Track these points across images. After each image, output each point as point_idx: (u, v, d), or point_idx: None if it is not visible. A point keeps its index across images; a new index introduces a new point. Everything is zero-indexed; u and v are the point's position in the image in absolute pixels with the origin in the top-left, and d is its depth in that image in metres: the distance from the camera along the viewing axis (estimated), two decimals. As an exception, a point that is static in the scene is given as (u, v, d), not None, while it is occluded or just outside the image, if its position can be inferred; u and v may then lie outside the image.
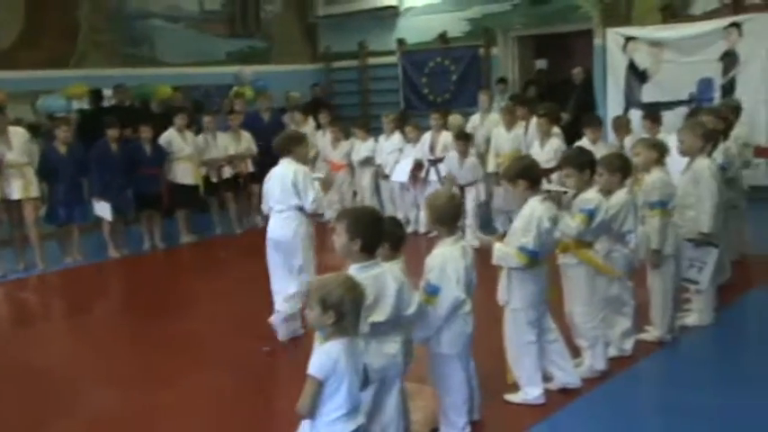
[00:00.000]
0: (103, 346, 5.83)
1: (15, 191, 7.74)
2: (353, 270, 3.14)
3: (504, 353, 4.15)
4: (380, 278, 3.19)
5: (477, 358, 3.91)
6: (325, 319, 2.74)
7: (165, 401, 4.47)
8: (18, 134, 7.91)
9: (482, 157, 8.72)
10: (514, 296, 4.04)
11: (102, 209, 8.14)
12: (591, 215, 4.25)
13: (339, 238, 3.21)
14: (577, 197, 4.34)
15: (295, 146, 5.31)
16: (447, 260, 3.60)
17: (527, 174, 4.03)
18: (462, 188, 7.96)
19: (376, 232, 3.22)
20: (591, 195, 4.31)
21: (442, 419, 3.78)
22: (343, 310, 2.73)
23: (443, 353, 3.68)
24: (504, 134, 8.53)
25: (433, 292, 3.57)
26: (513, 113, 8.54)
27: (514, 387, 4.15)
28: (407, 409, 3.53)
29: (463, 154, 7.95)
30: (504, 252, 3.93)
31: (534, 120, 8.25)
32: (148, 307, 6.58)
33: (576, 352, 4.46)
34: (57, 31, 10.61)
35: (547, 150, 7.79)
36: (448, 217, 3.68)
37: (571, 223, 4.23)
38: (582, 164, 4.37)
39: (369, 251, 3.20)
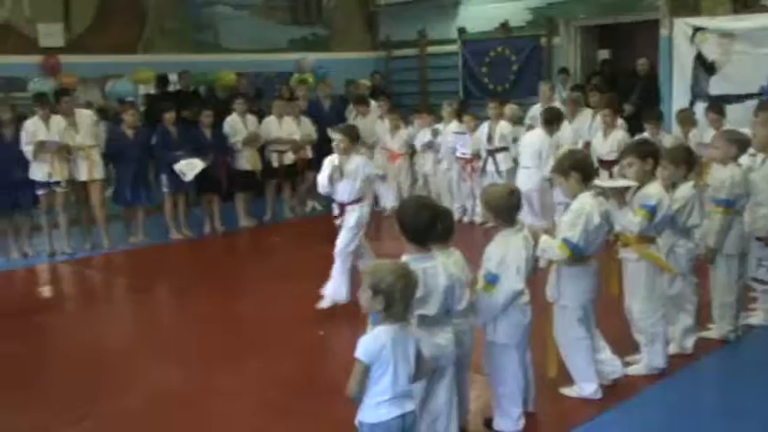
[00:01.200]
0: (163, 325, 6.00)
1: (82, 172, 8.00)
2: (404, 260, 3.13)
3: (554, 346, 4.12)
4: (431, 272, 3.18)
5: (534, 350, 3.89)
6: (375, 304, 2.78)
7: (221, 382, 4.55)
8: (85, 117, 8.16)
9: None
10: (564, 293, 4.00)
11: (189, 166, 8.23)
12: (652, 211, 4.13)
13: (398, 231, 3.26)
14: (639, 191, 4.25)
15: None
16: (508, 250, 3.58)
17: (579, 167, 3.97)
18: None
19: (421, 223, 3.19)
20: (653, 190, 4.20)
21: (497, 409, 3.78)
22: (393, 297, 2.76)
23: (500, 342, 3.67)
24: (565, 125, 8.41)
25: (491, 280, 3.56)
26: (578, 104, 8.41)
27: (570, 380, 4.12)
28: (464, 398, 3.55)
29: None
30: (548, 243, 3.89)
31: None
32: (208, 288, 6.72)
33: (634, 347, 4.40)
34: (126, 17, 10.87)
35: (610, 142, 7.68)
36: (505, 209, 3.64)
37: (633, 219, 4.14)
38: (644, 153, 4.25)
39: (417, 242, 3.21)
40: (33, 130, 7.66)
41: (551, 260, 3.97)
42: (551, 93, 9.27)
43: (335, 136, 5.59)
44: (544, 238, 3.87)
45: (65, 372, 4.95)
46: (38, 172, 7.74)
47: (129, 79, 10.66)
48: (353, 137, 5.66)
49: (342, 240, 5.73)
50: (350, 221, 5.65)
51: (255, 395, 4.37)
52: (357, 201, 5.70)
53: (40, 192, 7.83)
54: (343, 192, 5.66)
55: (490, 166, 8.61)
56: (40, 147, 7.62)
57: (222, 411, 4.15)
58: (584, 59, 11.81)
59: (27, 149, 7.62)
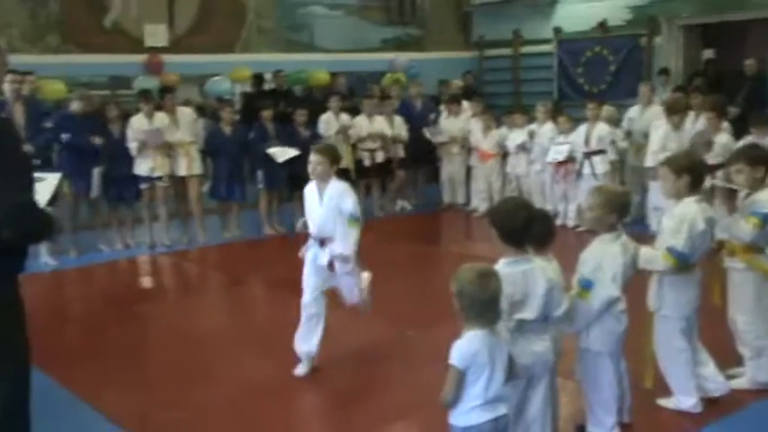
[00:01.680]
0: (256, 318, 6.13)
1: (181, 168, 8.29)
2: (500, 264, 3.08)
3: (652, 357, 3.98)
4: (529, 275, 3.11)
5: (631, 359, 3.77)
6: (459, 308, 2.77)
7: (310, 377, 4.58)
8: (185, 114, 8.46)
9: (640, 151, 8.36)
10: (666, 302, 3.84)
11: (282, 152, 8.35)
12: (765, 219, 3.90)
13: (493, 236, 3.18)
14: (749, 198, 4.04)
15: None
16: (604, 256, 3.47)
17: (694, 171, 3.80)
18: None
19: (516, 224, 3.10)
20: (765, 197, 4.00)
21: (590, 417, 3.68)
22: (470, 300, 2.73)
23: (594, 349, 3.57)
24: (666, 128, 8.10)
25: (586, 286, 3.47)
26: (679, 105, 8.09)
27: (668, 391, 3.97)
28: (556, 406, 3.47)
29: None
30: (651, 254, 3.73)
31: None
32: (299, 283, 6.82)
33: (738, 360, 4.20)
34: (226, 17, 11.22)
35: (714, 147, 7.35)
36: (619, 207, 3.52)
37: (744, 226, 3.94)
38: (755, 159, 4.03)
39: (513, 244, 3.13)
40: (138, 126, 8.00)
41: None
42: (651, 94, 8.98)
43: (312, 157, 4.48)
44: (645, 249, 3.72)
45: (162, 359, 5.13)
46: (142, 167, 8.07)
47: (227, 78, 10.98)
48: (334, 159, 4.56)
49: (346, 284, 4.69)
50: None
51: (342, 393, 4.40)
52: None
53: (143, 186, 8.16)
54: (321, 223, 4.52)
55: (586, 169, 8.40)
56: (148, 135, 7.91)
57: (309, 407, 4.20)
58: (687, 60, 11.39)
59: (132, 146, 7.96)
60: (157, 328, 5.85)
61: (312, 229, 4.59)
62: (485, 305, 2.76)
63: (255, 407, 4.21)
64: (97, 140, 7.68)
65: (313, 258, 4.61)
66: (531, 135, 9.05)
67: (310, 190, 4.61)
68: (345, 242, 4.45)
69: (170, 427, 4.01)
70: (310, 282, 4.62)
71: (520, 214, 3.13)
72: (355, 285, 4.67)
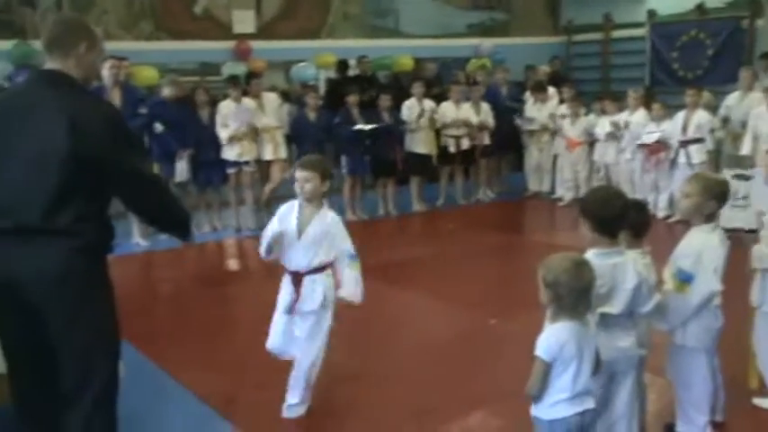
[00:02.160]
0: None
1: (267, 152, 8.41)
2: (590, 255, 2.95)
3: (754, 356, 3.79)
4: (620, 268, 2.98)
5: (725, 357, 3.60)
6: (546, 298, 2.70)
7: (375, 368, 4.55)
8: (271, 99, 8.58)
9: (738, 140, 7.98)
10: None
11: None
12: None
13: (581, 226, 3.05)
14: None
15: None
16: (704, 247, 3.30)
17: None
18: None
19: (610, 212, 2.96)
20: None
21: (681, 415, 3.53)
22: (560, 292, 2.65)
23: (689, 346, 3.41)
24: (766, 115, 7.70)
25: (686, 279, 3.30)
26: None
27: (766, 391, 3.78)
28: (644, 402, 3.34)
29: None
30: (764, 252, 3.55)
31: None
32: (379, 270, 6.82)
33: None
34: (311, 3, 11.30)
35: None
36: (717, 197, 3.36)
37: None
38: None
39: (606, 234, 2.99)
40: (226, 112, 8.16)
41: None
42: (752, 80, 8.54)
43: (298, 173, 3.72)
44: (757, 247, 3.55)
45: (248, 340, 5.21)
46: (229, 152, 8.24)
47: (313, 64, 11.07)
48: (324, 174, 3.75)
49: (306, 352, 3.81)
50: (312, 302, 3.76)
51: (426, 380, 4.38)
52: (320, 269, 3.78)
53: (230, 170, 8.34)
54: (300, 256, 3.76)
55: (682, 158, 8.08)
56: (236, 116, 8.05)
57: (394, 393, 4.19)
58: (792, 43, 10.75)
59: (223, 135, 8.12)
60: (244, 308, 5.97)
61: (286, 261, 3.81)
62: (580, 295, 2.68)
63: (342, 394, 4.22)
64: (158, 127, 7.70)
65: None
66: (617, 127, 8.74)
67: (288, 210, 3.79)
68: (357, 288, 3.78)
69: (255, 408, 4.07)
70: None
71: (615, 203, 3.00)
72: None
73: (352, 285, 3.76)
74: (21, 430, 2.90)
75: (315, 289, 3.75)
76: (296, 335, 3.85)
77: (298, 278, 3.77)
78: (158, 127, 7.69)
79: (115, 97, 7.21)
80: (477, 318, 5.32)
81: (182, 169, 7.96)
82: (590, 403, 2.76)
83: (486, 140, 9.60)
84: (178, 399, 4.21)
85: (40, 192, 2.65)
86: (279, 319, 3.88)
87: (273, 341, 3.90)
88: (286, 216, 3.78)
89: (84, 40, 2.81)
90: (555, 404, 2.70)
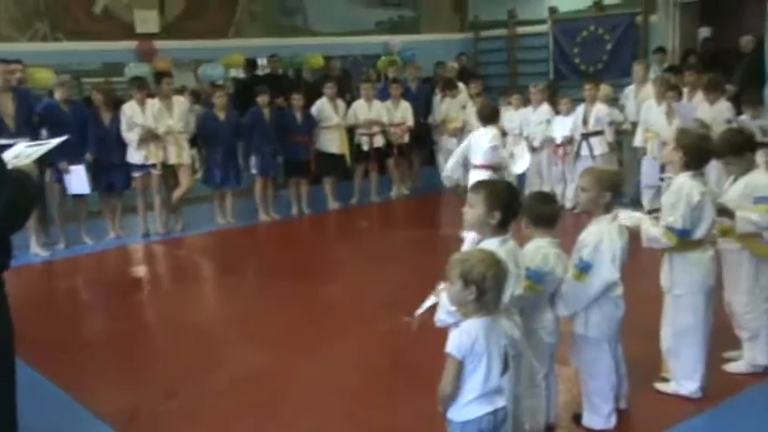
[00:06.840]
0: (250, 307, 6.07)
1: (171, 156, 8.17)
2: (493, 244, 2.99)
3: (659, 341, 3.94)
4: (513, 253, 3.05)
5: (627, 343, 3.73)
6: (467, 295, 2.61)
7: (304, 367, 4.55)
8: (180, 103, 8.36)
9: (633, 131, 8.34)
10: (677, 281, 3.79)
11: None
12: None
13: (474, 210, 3.07)
14: (743, 182, 3.98)
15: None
16: (603, 238, 3.41)
17: (689, 148, 3.76)
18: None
19: (515, 206, 3.11)
20: (764, 180, 3.94)
21: (587, 405, 3.64)
22: (485, 287, 2.59)
23: (591, 336, 3.52)
24: (654, 107, 8.03)
25: (584, 268, 3.40)
26: (666, 85, 7.99)
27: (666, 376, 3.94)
28: (555, 394, 3.43)
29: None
30: (652, 233, 3.71)
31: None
32: (294, 270, 6.78)
33: (736, 343, 4.17)
34: (217, 2, 11.06)
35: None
36: (610, 189, 3.48)
37: (751, 216, 3.88)
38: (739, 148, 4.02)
39: (504, 226, 3.08)
40: (130, 114, 7.90)
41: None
42: (645, 73, 8.91)
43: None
44: (645, 227, 3.69)
45: (155, 350, 5.10)
46: (135, 155, 7.98)
47: (220, 64, 10.87)
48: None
49: None
50: None
51: (338, 381, 4.36)
52: None
53: (136, 174, 8.08)
54: None
55: (584, 151, 8.34)
56: (144, 133, 7.82)
57: (304, 396, 4.16)
58: (684, 38, 11.24)
59: (131, 137, 7.85)
60: (151, 318, 5.82)
61: None
62: (501, 290, 2.69)
63: (248, 398, 4.17)
64: (43, 133, 7.07)
65: None
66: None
67: None
68: None
69: (161, 420, 3.97)
70: None
71: (516, 199, 3.14)
72: None
73: None
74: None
75: None
76: None
77: None
78: (43, 133, 7.09)
79: (7, 104, 6.87)
80: (392, 315, 5.32)
81: (79, 180, 7.57)
82: (501, 401, 2.70)
83: (406, 138, 9.65)
84: (78, 416, 4.02)
85: None
86: None
87: None
88: None
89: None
90: (465, 405, 2.65)
